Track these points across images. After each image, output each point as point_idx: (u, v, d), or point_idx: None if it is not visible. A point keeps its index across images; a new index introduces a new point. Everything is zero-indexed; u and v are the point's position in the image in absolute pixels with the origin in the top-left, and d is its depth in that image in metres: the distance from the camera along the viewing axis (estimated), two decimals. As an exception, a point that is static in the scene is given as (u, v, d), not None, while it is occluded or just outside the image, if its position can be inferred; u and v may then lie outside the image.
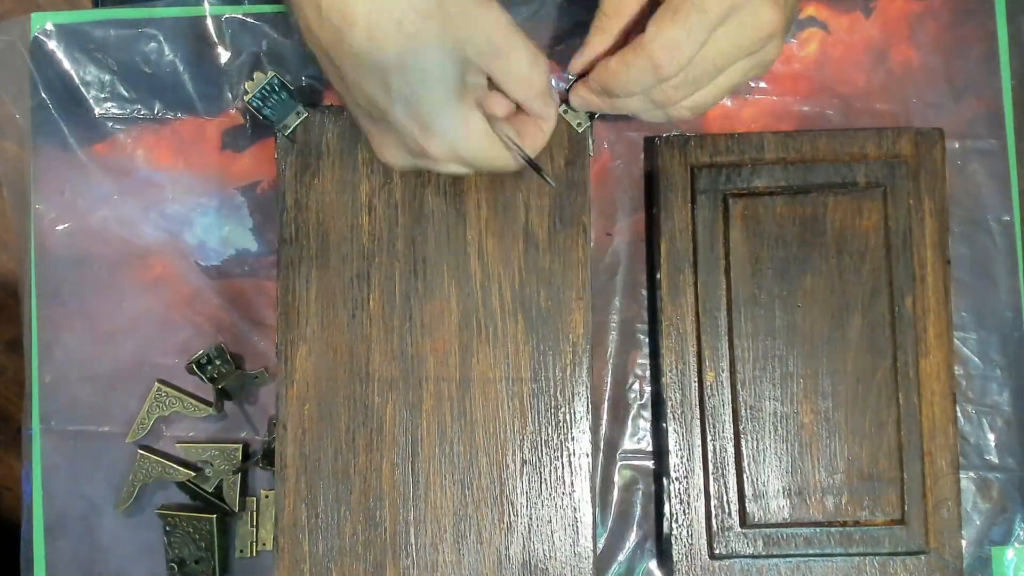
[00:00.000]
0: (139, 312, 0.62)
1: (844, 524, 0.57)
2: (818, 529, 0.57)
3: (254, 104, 0.53)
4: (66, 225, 0.62)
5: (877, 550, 0.57)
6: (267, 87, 0.52)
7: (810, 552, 0.57)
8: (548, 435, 0.54)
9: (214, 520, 0.58)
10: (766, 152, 0.59)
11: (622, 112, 0.51)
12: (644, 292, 0.62)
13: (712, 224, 0.58)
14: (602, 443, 0.61)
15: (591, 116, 0.55)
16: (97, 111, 0.63)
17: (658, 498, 0.61)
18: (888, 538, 0.57)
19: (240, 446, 0.60)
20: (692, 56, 0.46)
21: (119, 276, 0.62)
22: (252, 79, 0.52)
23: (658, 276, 0.59)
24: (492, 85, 0.48)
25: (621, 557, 0.61)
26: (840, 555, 0.57)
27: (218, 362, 0.59)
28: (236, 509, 0.59)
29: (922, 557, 0.57)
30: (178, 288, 0.62)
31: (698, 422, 0.58)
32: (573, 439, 0.55)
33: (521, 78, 0.47)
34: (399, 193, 0.55)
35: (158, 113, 0.63)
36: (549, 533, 0.54)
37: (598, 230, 0.62)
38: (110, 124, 0.63)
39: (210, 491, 0.59)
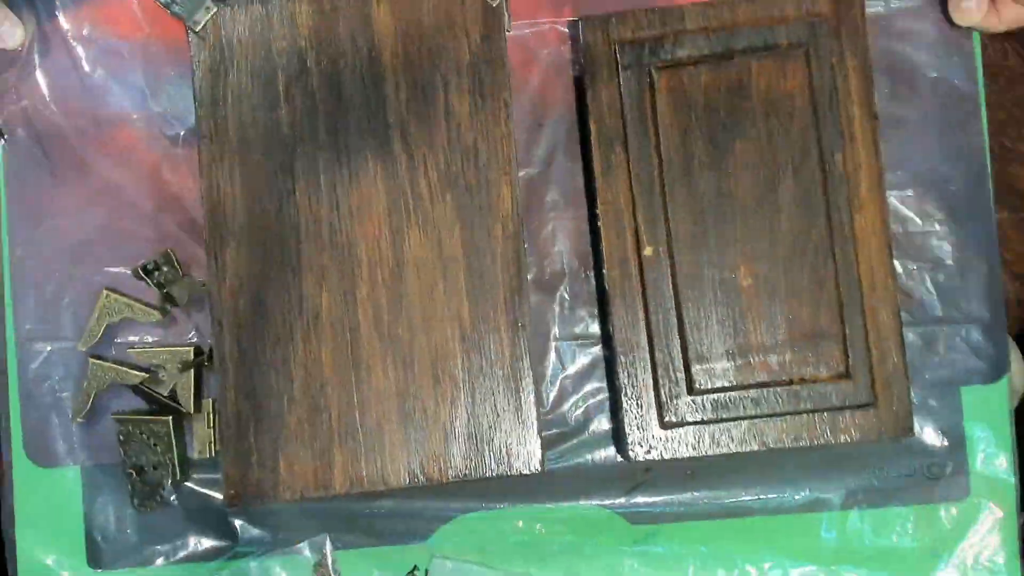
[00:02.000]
0: (105, 184, 0.62)
1: (790, 383, 0.58)
2: (765, 390, 0.58)
3: (162, 1, 0.53)
4: (30, 98, 0.62)
5: (825, 405, 0.57)
6: None
7: (759, 413, 0.57)
8: (485, 311, 0.55)
9: (170, 421, 0.59)
10: (687, 23, 0.59)
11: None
12: (580, 178, 0.63)
13: (639, 99, 0.59)
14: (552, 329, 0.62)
15: None
16: None
17: (609, 381, 0.62)
18: (835, 393, 0.57)
19: (191, 348, 0.60)
20: None
21: (85, 147, 0.62)
22: None
23: (591, 156, 0.59)
24: None
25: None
26: (789, 413, 0.57)
27: (165, 268, 0.60)
28: (191, 410, 0.60)
29: (870, 409, 0.57)
30: (144, 158, 0.62)
31: (640, 296, 0.58)
32: (509, 313, 0.55)
33: None
34: (316, 81, 0.55)
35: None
36: (493, 404, 0.54)
37: (530, 120, 0.62)
38: None
39: (164, 394, 0.60)
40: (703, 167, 0.58)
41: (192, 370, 0.60)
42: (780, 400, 0.58)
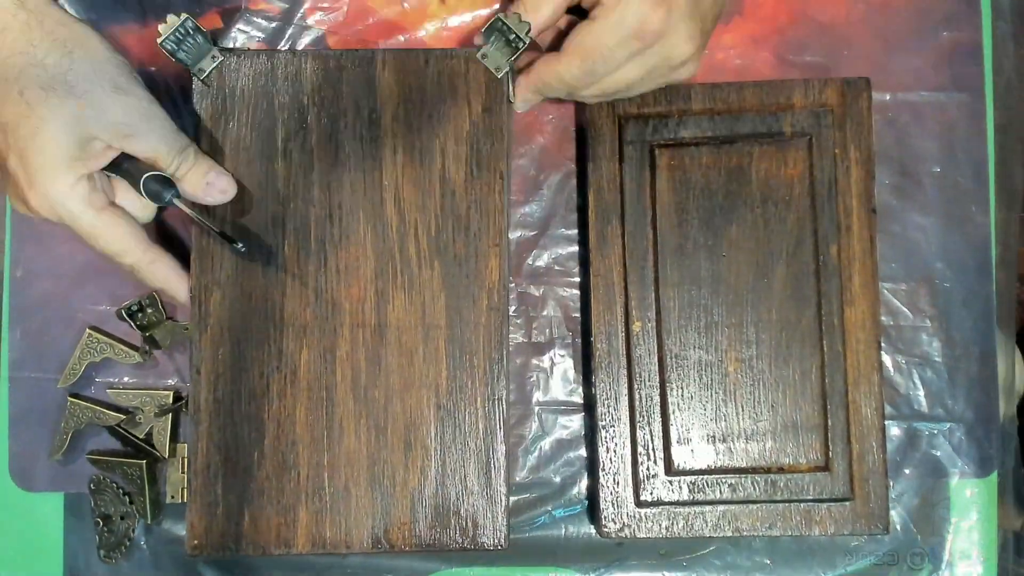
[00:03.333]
0: None
1: (768, 471, 0.57)
2: (743, 476, 0.57)
3: (167, 48, 0.52)
4: None
5: (802, 496, 0.57)
6: (180, 30, 0.52)
7: (735, 499, 0.57)
8: (463, 381, 0.55)
9: (143, 465, 0.58)
10: (693, 103, 0.59)
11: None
12: (574, 245, 0.63)
13: (639, 175, 0.59)
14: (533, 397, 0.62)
15: (510, 61, 0.55)
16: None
17: (588, 453, 0.62)
18: (812, 485, 0.57)
19: (170, 392, 0.60)
20: (599, 80, 0.53)
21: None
22: (166, 21, 0.52)
23: (587, 227, 0.59)
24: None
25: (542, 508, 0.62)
26: (765, 501, 0.57)
27: (150, 311, 0.60)
28: (166, 455, 0.60)
29: (847, 504, 0.57)
30: None
31: (625, 371, 0.58)
32: (487, 385, 0.55)
33: (150, 156, 0.51)
34: (315, 139, 0.55)
35: (127, 15, 0.62)
36: (463, 476, 0.54)
37: (530, 182, 0.62)
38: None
39: (140, 437, 0.60)
40: (697, 248, 0.58)
41: (169, 415, 0.60)
42: (757, 487, 0.57)
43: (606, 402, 0.58)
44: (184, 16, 0.52)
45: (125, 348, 0.60)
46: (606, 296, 0.59)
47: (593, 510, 0.60)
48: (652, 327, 0.58)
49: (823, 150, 0.58)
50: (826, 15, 0.62)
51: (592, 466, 0.60)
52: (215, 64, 0.55)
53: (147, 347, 0.60)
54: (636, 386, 0.58)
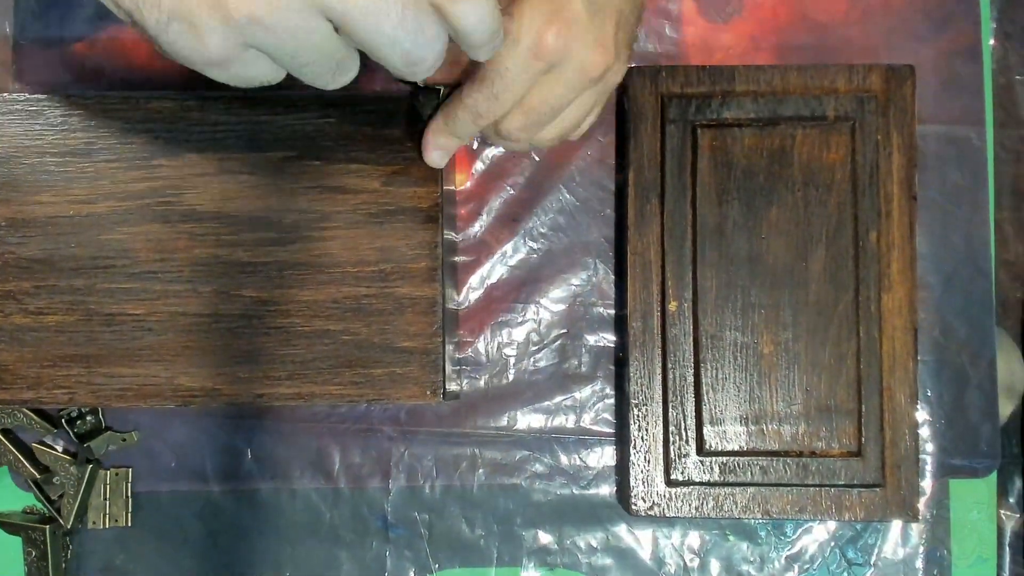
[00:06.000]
0: None
1: (800, 454, 0.57)
2: (774, 459, 0.57)
3: None
4: None
5: (833, 481, 0.57)
6: None
7: (766, 481, 0.57)
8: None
9: (47, 531, 0.57)
10: (737, 84, 0.59)
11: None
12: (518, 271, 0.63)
13: (680, 154, 0.59)
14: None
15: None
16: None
17: (617, 433, 0.62)
18: (844, 470, 0.57)
19: (91, 465, 0.59)
20: (509, 104, 0.46)
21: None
22: None
23: (625, 206, 0.59)
24: None
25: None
26: (796, 485, 0.57)
27: (89, 418, 0.59)
28: (68, 525, 0.58)
29: (877, 490, 0.57)
30: None
31: (659, 350, 0.58)
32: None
33: None
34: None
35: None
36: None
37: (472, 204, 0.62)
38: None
39: (53, 498, 0.59)
40: (736, 229, 0.58)
41: (83, 487, 0.58)
42: (788, 471, 0.57)
43: (639, 381, 0.58)
44: None
45: (37, 419, 0.59)
46: (643, 275, 0.58)
47: (622, 490, 0.60)
48: (688, 307, 0.58)
49: (866, 135, 0.58)
50: (826, 15, 0.62)
51: (622, 445, 0.60)
52: None
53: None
54: (670, 365, 0.58)
